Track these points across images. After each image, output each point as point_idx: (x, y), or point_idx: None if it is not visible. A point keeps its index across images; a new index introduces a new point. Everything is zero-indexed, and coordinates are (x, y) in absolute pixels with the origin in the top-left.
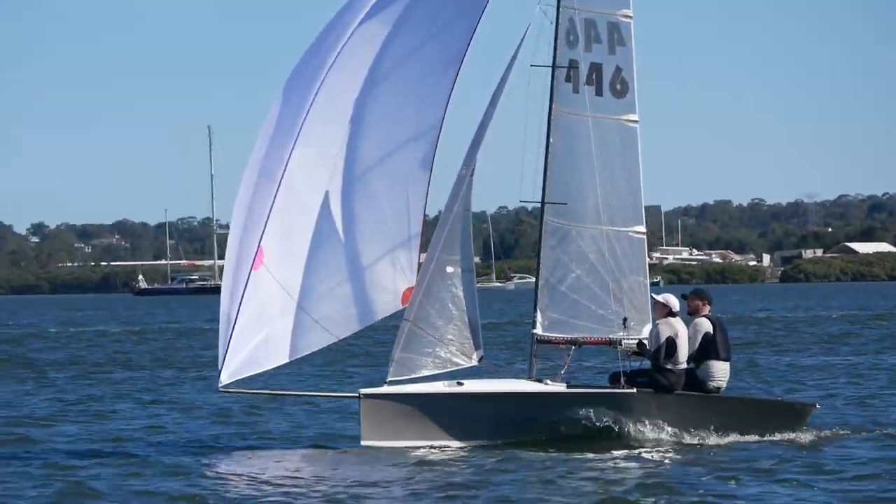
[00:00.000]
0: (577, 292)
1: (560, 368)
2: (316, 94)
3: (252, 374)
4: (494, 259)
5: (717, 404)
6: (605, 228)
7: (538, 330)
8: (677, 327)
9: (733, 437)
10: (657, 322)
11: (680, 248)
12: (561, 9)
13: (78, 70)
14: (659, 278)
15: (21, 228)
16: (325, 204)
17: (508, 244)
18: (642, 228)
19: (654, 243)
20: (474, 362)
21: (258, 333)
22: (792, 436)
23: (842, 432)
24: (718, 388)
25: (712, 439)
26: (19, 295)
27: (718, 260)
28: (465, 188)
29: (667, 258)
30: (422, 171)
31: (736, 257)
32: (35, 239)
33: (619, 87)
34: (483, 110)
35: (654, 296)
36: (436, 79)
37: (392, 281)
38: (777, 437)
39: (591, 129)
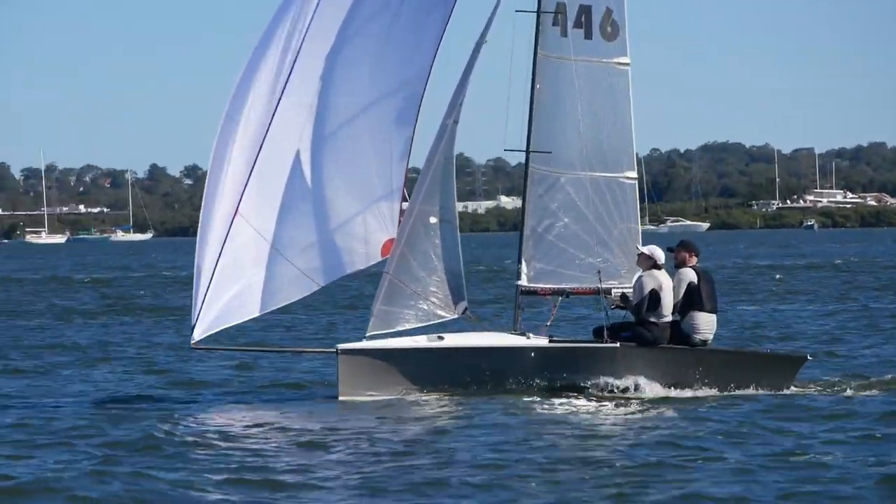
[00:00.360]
0: (565, 241)
1: (547, 320)
2: (296, 42)
3: (228, 326)
4: (648, 201)
5: (704, 357)
6: (595, 174)
7: (523, 281)
8: (661, 279)
9: (721, 391)
10: (641, 274)
11: (834, 190)
12: None
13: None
14: (813, 221)
15: (175, 171)
16: (305, 153)
17: (661, 186)
18: (633, 174)
19: (807, 186)
20: (458, 315)
21: (235, 284)
22: (781, 389)
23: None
24: (705, 341)
25: (699, 392)
26: (173, 237)
27: (873, 203)
28: (448, 138)
29: (821, 201)
30: (406, 120)
31: (890, 200)
32: (189, 181)
33: (609, 29)
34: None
35: (639, 247)
36: (419, 26)
37: (373, 232)
38: (766, 390)
39: (579, 74)
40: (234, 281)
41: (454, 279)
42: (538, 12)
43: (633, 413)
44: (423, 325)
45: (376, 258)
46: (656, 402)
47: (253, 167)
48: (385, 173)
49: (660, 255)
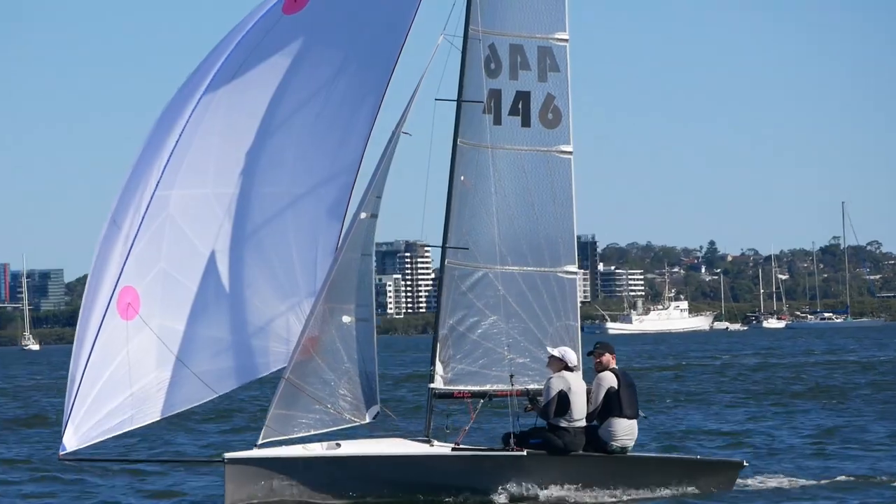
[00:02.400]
0: (492, 340)
1: (465, 425)
2: (206, 132)
3: (116, 434)
4: None
5: (622, 465)
6: (529, 269)
7: (437, 384)
8: (570, 381)
9: (642, 499)
10: (550, 376)
11: None
12: (480, 36)
13: None
14: None
15: None
16: (222, 249)
17: None
18: (573, 268)
19: None
20: (369, 419)
21: (126, 390)
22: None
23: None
24: (624, 448)
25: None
26: None
27: None
28: (366, 232)
29: None
30: (336, 213)
31: None
32: None
33: (550, 116)
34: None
35: (550, 349)
36: (349, 116)
37: (294, 332)
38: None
39: (513, 163)
40: (124, 387)
41: (367, 382)
42: (458, 101)
43: None
44: (326, 430)
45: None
46: None
47: (146, 261)
48: (310, 269)
49: (571, 357)
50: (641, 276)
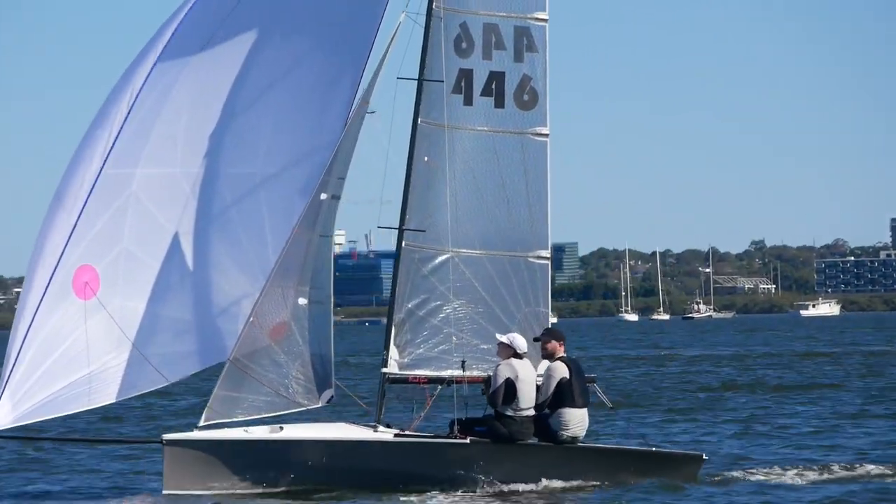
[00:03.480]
0: (454, 325)
1: (421, 411)
2: (166, 109)
3: (64, 414)
4: None
5: (569, 455)
6: (498, 253)
7: (392, 368)
8: (518, 369)
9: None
10: (498, 363)
11: None
12: (443, 14)
13: None
14: None
15: None
16: (189, 230)
17: None
18: (545, 253)
19: None
20: (322, 403)
21: (78, 371)
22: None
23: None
24: (574, 438)
25: (560, 494)
26: None
27: None
28: (326, 213)
29: None
30: (310, 192)
31: None
32: None
33: (525, 97)
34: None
35: (498, 336)
36: (326, 92)
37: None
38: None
39: (483, 145)
40: (79, 367)
41: (322, 366)
42: (420, 80)
43: None
44: (276, 413)
45: (271, 346)
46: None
47: (108, 239)
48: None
49: (520, 343)
50: None
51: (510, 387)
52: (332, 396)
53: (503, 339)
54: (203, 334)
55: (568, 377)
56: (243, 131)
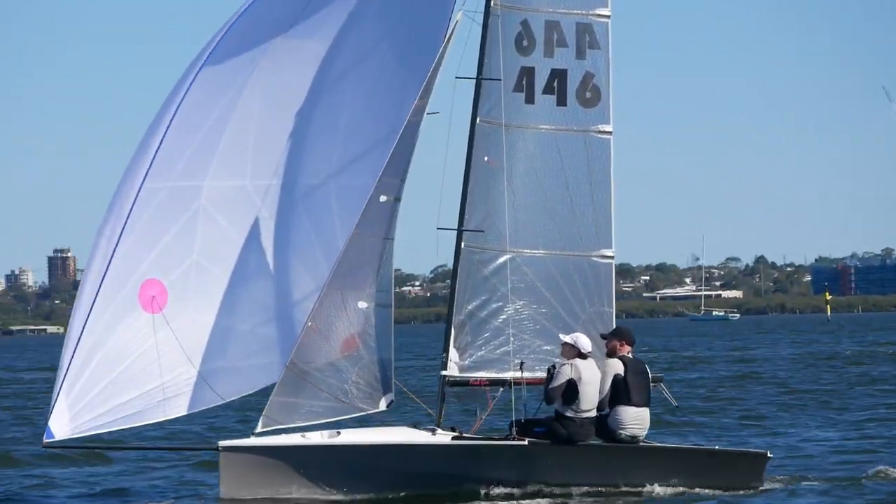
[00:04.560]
0: (516, 326)
1: (482, 413)
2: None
3: (127, 427)
4: None
5: (631, 455)
6: (562, 253)
7: (453, 371)
8: (581, 370)
9: (662, 491)
10: (561, 363)
11: None
12: (500, 11)
13: None
14: None
15: None
16: (260, 243)
17: None
18: (610, 252)
19: None
20: (383, 408)
21: (151, 383)
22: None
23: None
24: (634, 438)
25: (621, 496)
26: None
27: None
28: (389, 216)
29: None
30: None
31: None
32: None
33: (588, 95)
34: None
35: (562, 336)
36: (387, 106)
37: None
38: (722, 490)
39: (546, 143)
40: (147, 381)
41: (383, 370)
42: (478, 79)
43: None
44: (334, 419)
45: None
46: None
47: (190, 258)
48: None
49: (584, 343)
50: None
51: (572, 388)
52: (393, 401)
53: (567, 339)
54: (277, 347)
55: (623, 374)
56: (315, 140)
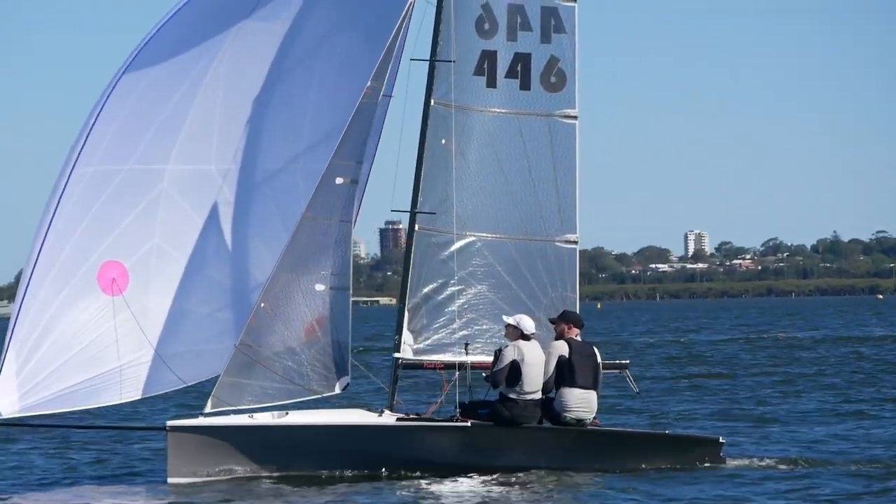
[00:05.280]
0: (476, 310)
1: (440, 396)
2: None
3: (81, 407)
4: None
5: (572, 439)
6: (524, 238)
7: (407, 353)
8: (525, 351)
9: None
10: (506, 345)
11: None
12: None
13: None
14: None
15: None
16: (224, 228)
17: None
18: (573, 237)
19: None
20: (339, 391)
21: (108, 364)
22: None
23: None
24: (579, 420)
25: (566, 479)
26: None
27: None
28: (344, 198)
29: None
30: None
31: None
32: None
33: (553, 79)
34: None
35: (505, 317)
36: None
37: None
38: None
39: (509, 127)
40: (105, 361)
41: (339, 352)
42: (431, 61)
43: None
44: (288, 402)
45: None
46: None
47: (151, 241)
48: None
49: (527, 324)
50: None
51: (515, 369)
52: (349, 384)
53: (510, 320)
54: (239, 331)
55: (567, 356)
56: (279, 124)
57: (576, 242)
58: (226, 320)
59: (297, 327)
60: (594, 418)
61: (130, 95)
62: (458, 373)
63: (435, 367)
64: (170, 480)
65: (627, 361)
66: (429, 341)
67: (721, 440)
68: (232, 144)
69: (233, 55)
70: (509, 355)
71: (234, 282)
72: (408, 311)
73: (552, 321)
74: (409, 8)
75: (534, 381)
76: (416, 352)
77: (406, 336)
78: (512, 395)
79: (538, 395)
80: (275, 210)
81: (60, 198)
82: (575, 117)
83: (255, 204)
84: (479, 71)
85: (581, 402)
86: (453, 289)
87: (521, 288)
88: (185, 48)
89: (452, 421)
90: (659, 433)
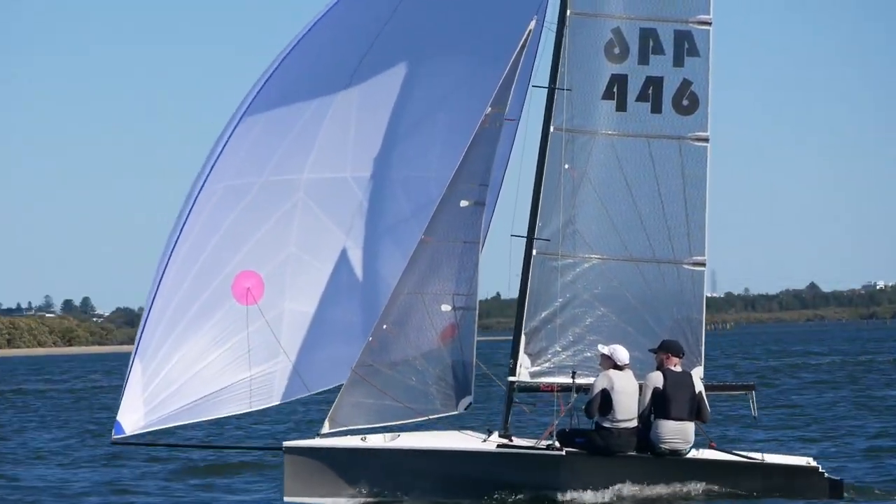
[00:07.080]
0: (598, 332)
1: (555, 419)
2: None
3: (211, 417)
4: None
5: (666, 468)
6: (650, 261)
7: (523, 376)
8: (615, 380)
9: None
10: (598, 374)
11: None
12: (603, 18)
13: None
14: None
15: None
16: (360, 235)
17: None
18: (701, 258)
19: None
20: (461, 411)
21: (240, 374)
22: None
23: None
24: (675, 451)
25: None
26: None
27: None
28: (470, 220)
29: None
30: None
31: None
32: None
33: (685, 102)
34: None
35: (600, 347)
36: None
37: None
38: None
39: (637, 151)
40: (237, 371)
41: (463, 372)
42: (550, 88)
43: None
44: (407, 421)
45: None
46: None
47: (287, 249)
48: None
49: (621, 355)
50: None
51: (606, 398)
52: (471, 403)
53: (604, 350)
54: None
55: (661, 387)
56: (414, 136)
57: (704, 264)
58: (360, 325)
59: (422, 347)
60: (710, 441)
61: (264, 112)
62: (574, 395)
63: (551, 389)
64: (286, 499)
65: (753, 384)
66: (548, 363)
67: (820, 469)
68: (367, 153)
69: (363, 71)
70: (599, 385)
71: (370, 288)
72: (524, 334)
73: (651, 351)
74: (527, 35)
75: (626, 410)
76: (535, 375)
77: (522, 359)
78: (606, 424)
79: (633, 423)
80: (410, 216)
81: (188, 215)
82: (707, 139)
83: (391, 210)
84: (607, 95)
85: (676, 434)
86: (576, 311)
87: (646, 310)
88: (321, 65)
89: (550, 448)
90: (755, 461)
